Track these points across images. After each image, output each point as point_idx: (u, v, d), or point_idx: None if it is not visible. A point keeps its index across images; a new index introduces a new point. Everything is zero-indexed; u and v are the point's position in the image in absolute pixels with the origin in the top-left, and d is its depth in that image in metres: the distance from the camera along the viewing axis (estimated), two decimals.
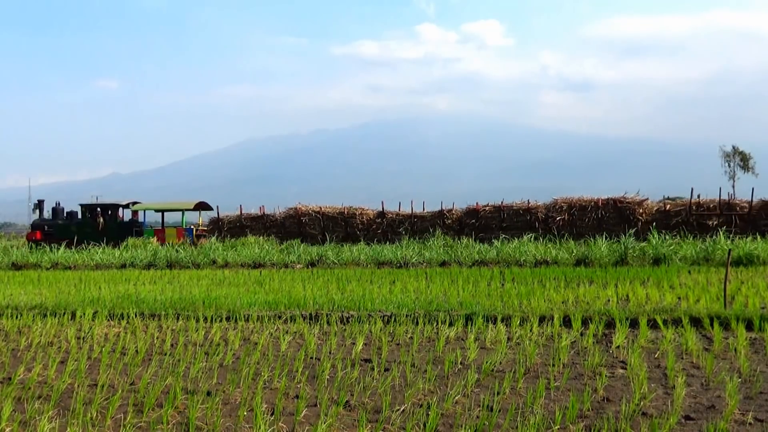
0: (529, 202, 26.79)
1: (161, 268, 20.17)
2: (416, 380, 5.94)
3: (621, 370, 6.34)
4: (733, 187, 67.15)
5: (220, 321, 9.29)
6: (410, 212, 27.42)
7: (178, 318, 9.56)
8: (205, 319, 9.40)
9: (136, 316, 9.65)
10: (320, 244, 24.16)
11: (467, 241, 22.74)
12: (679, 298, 10.33)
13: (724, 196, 24.88)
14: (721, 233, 20.11)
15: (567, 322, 8.49)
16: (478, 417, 4.93)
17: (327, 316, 9.19)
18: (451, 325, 8.52)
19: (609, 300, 10.21)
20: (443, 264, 18.67)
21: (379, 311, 9.33)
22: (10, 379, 6.23)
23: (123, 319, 9.63)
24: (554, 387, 5.78)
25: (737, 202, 24.73)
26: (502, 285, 12.34)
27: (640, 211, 25.08)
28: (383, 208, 27.83)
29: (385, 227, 27.06)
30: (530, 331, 8.02)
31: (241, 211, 29.64)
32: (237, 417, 5.02)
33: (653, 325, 8.22)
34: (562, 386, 5.81)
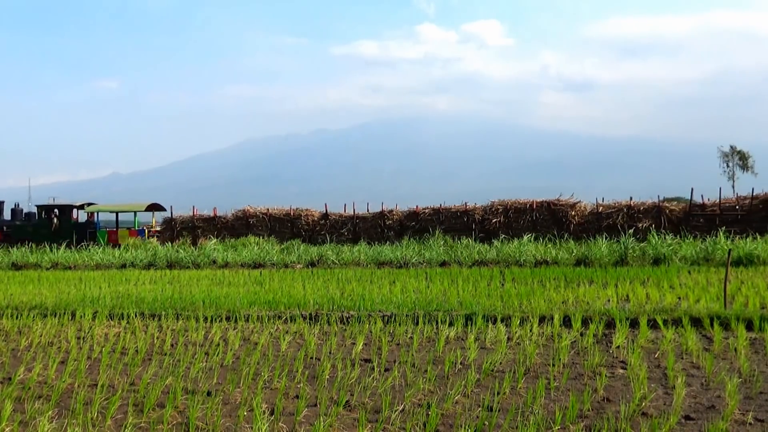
0: (466, 205, 27.38)
1: (161, 268, 20.17)
2: (416, 380, 5.94)
3: (621, 370, 6.34)
4: (733, 186, 67.15)
5: (220, 321, 9.29)
6: (353, 213, 28.21)
7: (178, 318, 9.56)
8: (205, 319, 9.40)
9: (136, 316, 9.65)
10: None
11: (467, 241, 22.78)
12: (679, 298, 10.33)
13: (730, 195, 24.87)
14: (721, 233, 20.12)
15: (567, 322, 8.49)
16: (478, 417, 4.93)
17: (327, 316, 9.19)
18: (451, 325, 8.52)
19: (609, 300, 10.22)
20: (443, 264, 18.67)
21: (379, 311, 9.33)
22: (10, 379, 6.23)
23: (123, 319, 9.63)
24: (554, 387, 5.78)
25: (666, 205, 25.35)
26: (502, 285, 12.34)
27: (573, 213, 25.70)
28: (326, 210, 28.56)
29: (329, 228, 27.79)
30: (530, 331, 8.02)
31: (194, 213, 30.28)
32: (237, 417, 5.02)
33: (653, 325, 8.22)
34: (562, 386, 5.81)
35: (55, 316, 9.87)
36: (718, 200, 24.96)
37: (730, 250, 11.14)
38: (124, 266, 21.04)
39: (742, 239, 19.45)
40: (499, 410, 5.05)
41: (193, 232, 28.77)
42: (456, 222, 26.70)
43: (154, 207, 32.51)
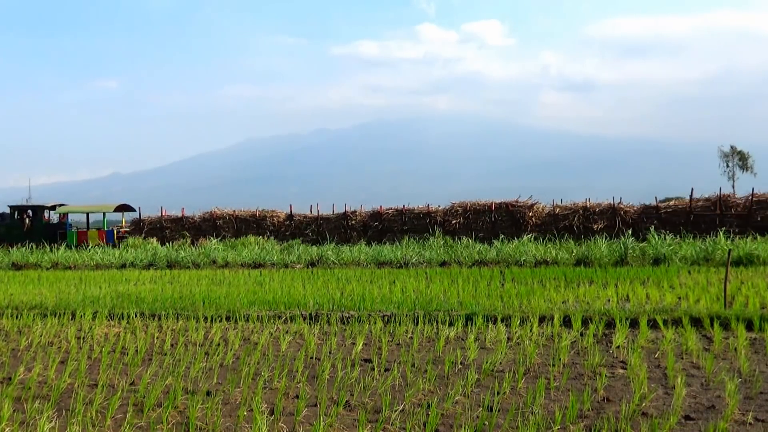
0: (429, 206, 27.81)
1: (161, 268, 20.17)
2: (416, 380, 5.94)
3: (621, 370, 6.34)
4: (733, 187, 67.17)
5: (220, 321, 9.29)
6: (317, 215, 28.75)
7: (178, 318, 9.56)
8: (205, 319, 9.40)
9: (136, 316, 9.65)
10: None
11: (467, 241, 22.79)
12: (679, 298, 10.33)
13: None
14: (721, 233, 20.12)
15: (567, 322, 8.49)
16: (478, 417, 4.93)
17: (327, 316, 9.19)
18: (451, 325, 8.52)
19: (609, 300, 10.21)
20: (443, 264, 18.67)
21: (379, 311, 9.33)
22: (10, 379, 6.23)
23: (123, 319, 9.63)
24: (554, 387, 5.78)
25: (621, 206, 25.75)
26: (502, 285, 12.34)
27: (530, 214, 26.22)
28: (291, 212, 29.12)
29: (294, 229, 28.29)
30: (530, 331, 8.02)
31: (161, 213, 30.73)
32: (237, 417, 5.02)
33: (653, 325, 8.22)
34: (562, 386, 5.81)
35: (55, 316, 9.87)
36: (675, 201, 25.73)
37: (730, 250, 11.14)
38: (124, 266, 21.04)
39: (742, 239, 19.45)
40: (499, 410, 5.05)
41: (161, 233, 29.31)
42: (418, 223, 27.27)
43: (124, 207, 33.15)
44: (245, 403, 5.28)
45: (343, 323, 8.97)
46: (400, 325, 8.51)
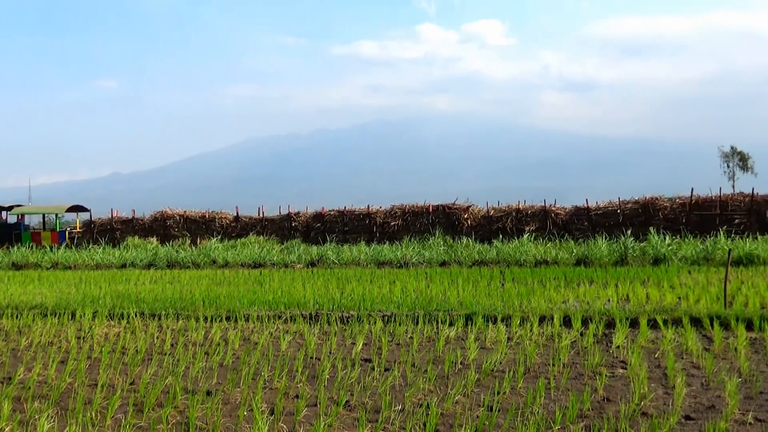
0: (369, 208, 28.27)
1: (161, 268, 20.17)
2: (416, 380, 5.93)
3: (621, 370, 6.34)
4: (733, 187, 67.23)
5: (220, 321, 9.29)
6: (261, 216, 29.61)
7: (178, 318, 9.56)
8: (205, 319, 9.40)
9: (136, 315, 9.65)
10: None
11: (467, 241, 22.84)
12: (679, 298, 10.32)
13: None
14: (721, 233, 20.12)
15: (567, 322, 8.49)
16: (478, 417, 4.92)
17: (327, 316, 9.19)
18: (451, 325, 8.52)
19: (609, 300, 10.21)
20: (443, 264, 18.67)
21: (379, 311, 9.33)
22: (10, 378, 6.23)
23: (123, 318, 9.63)
24: (554, 387, 5.78)
25: (553, 208, 26.28)
26: (502, 285, 12.33)
27: (466, 216, 26.77)
28: (237, 213, 29.95)
29: (240, 230, 29.05)
30: (530, 331, 8.02)
31: (112, 215, 31.20)
32: (237, 417, 5.02)
33: (653, 325, 8.22)
34: (562, 386, 5.80)
35: (55, 315, 9.87)
36: (612, 202, 26.16)
37: (730, 250, 11.14)
38: (124, 266, 21.04)
39: (742, 239, 19.45)
40: (499, 410, 5.05)
41: (112, 234, 29.89)
42: (359, 224, 27.86)
43: (77, 208, 33.80)
44: (245, 403, 5.28)
45: (343, 323, 8.97)
46: (400, 325, 8.50)
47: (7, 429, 4.80)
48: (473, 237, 24.47)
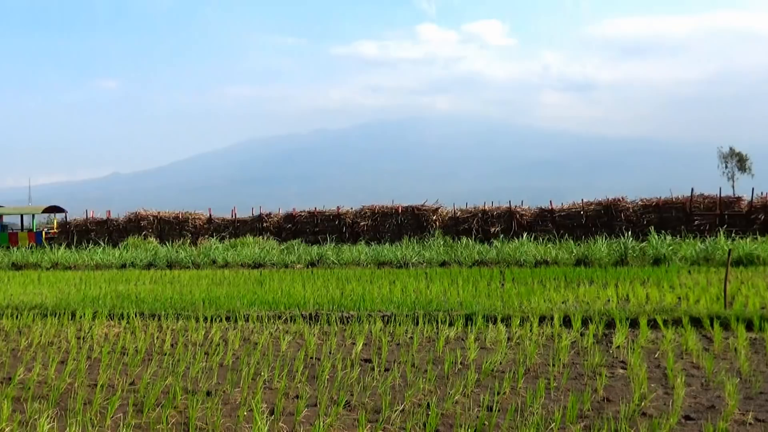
0: (338, 209, 28.72)
1: (161, 268, 20.18)
2: (416, 380, 5.93)
3: (621, 370, 6.34)
4: (733, 187, 67.36)
5: (220, 321, 9.29)
6: (233, 218, 30.12)
7: (178, 318, 9.56)
8: (205, 319, 9.40)
9: (136, 316, 9.65)
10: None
11: (467, 241, 22.88)
12: (679, 298, 10.32)
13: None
14: (721, 233, 20.14)
15: (567, 322, 8.49)
16: (477, 417, 4.93)
17: (327, 316, 9.19)
18: (451, 325, 8.52)
19: (609, 300, 10.21)
20: (443, 264, 18.67)
21: (379, 311, 9.33)
22: (10, 379, 6.23)
23: (123, 319, 9.63)
24: (554, 387, 5.78)
25: (518, 209, 26.73)
26: (502, 285, 12.33)
27: (434, 217, 27.16)
28: (210, 215, 30.42)
29: (212, 231, 29.55)
30: (530, 331, 8.02)
31: (86, 216, 31.47)
32: (237, 417, 5.02)
33: (653, 325, 8.22)
34: (562, 386, 5.81)
35: (55, 316, 9.87)
36: (578, 203, 26.75)
37: (730, 250, 11.13)
38: (124, 266, 21.05)
39: (743, 239, 19.46)
40: (498, 410, 5.05)
41: (87, 235, 30.14)
42: (328, 225, 28.29)
43: (53, 209, 34.28)
44: (245, 403, 5.28)
45: (343, 323, 8.97)
46: (400, 325, 8.50)
47: (7, 429, 4.80)
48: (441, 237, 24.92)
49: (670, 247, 17.98)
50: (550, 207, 26.56)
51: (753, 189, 25.35)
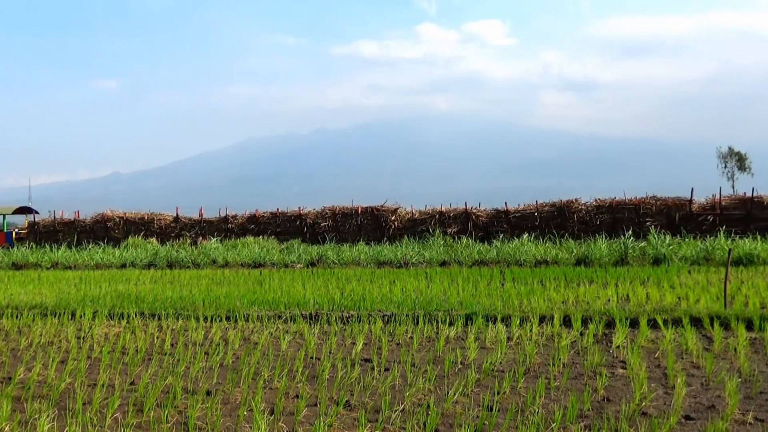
0: (300, 210, 29.25)
1: (161, 268, 20.18)
2: (416, 380, 5.93)
3: (621, 370, 6.34)
4: (733, 187, 67.44)
5: (220, 321, 9.29)
6: (200, 218, 30.64)
7: (178, 318, 9.56)
8: (205, 318, 9.40)
9: (136, 315, 9.65)
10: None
11: (467, 241, 22.93)
12: (679, 298, 10.32)
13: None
14: (721, 233, 20.15)
15: (567, 321, 8.49)
16: (477, 417, 4.93)
17: (327, 315, 9.19)
18: (451, 324, 8.51)
19: (609, 300, 10.21)
20: (443, 264, 18.67)
21: (379, 311, 9.33)
22: (10, 378, 6.23)
23: (123, 318, 9.63)
24: (554, 387, 5.78)
25: (474, 211, 27.28)
26: (502, 285, 12.33)
27: (393, 218, 27.67)
28: (177, 215, 30.83)
29: (179, 231, 30.05)
30: (530, 330, 8.02)
31: (54, 217, 31.88)
32: (237, 417, 5.02)
33: (653, 324, 8.22)
34: (562, 386, 5.80)
35: (55, 315, 9.87)
36: (531, 205, 27.49)
37: (730, 250, 11.13)
38: (124, 266, 21.05)
39: (742, 239, 19.47)
40: (498, 410, 5.05)
41: (54, 236, 30.54)
42: (290, 225, 28.84)
43: (24, 210, 34.97)
44: (245, 403, 5.28)
45: (343, 323, 8.96)
46: (400, 324, 8.50)
47: (7, 429, 4.80)
48: (398, 238, 25.59)
49: (670, 247, 17.99)
50: (505, 208, 27.24)
51: (753, 188, 25.40)
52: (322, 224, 28.22)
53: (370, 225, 27.70)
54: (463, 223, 26.77)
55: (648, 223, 24.85)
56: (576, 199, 26.48)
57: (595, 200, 26.37)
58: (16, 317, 9.87)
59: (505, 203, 27.48)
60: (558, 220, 26.11)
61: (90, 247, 27.02)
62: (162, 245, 26.34)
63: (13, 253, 24.78)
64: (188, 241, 27.88)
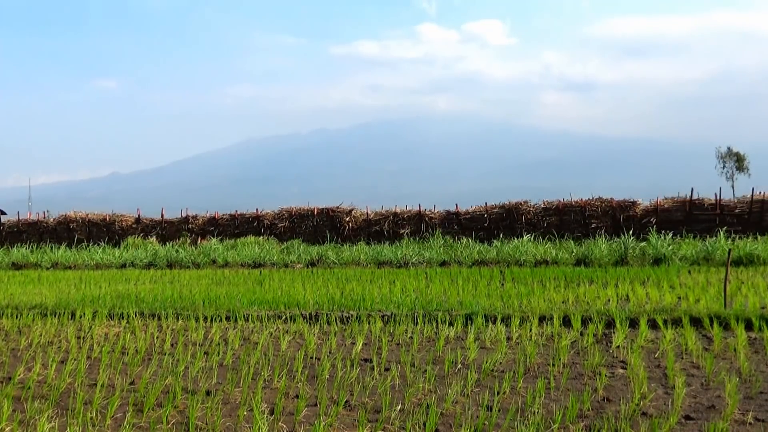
0: (258, 211, 29.73)
1: (161, 268, 20.18)
2: (416, 380, 5.94)
3: (621, 370, 6.34)
4: (732, 187, 67.53)
5: (220, 321, 9.29)
6: (161, 219, 30.98)
7: (178, 318, 9.56)
8: (205, 318, 9.40)
9: (136, 315, 9.65)
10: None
11: (467, 241, 22.94)
12: (679, 298, 10.32)
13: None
14: (721, 233, 20.14)
15: (567, 322, 8.48)
16: (477, 417, 4.93)
17: (327, 315, 9.19)
18: (451, 324, 8.51)
19: (609, 300, 10.21)
20: (443, 264, 18.67)
21: (379, 311, 9.33)
22: (10, 378, 6.23)
23: (123, 318, 9.63)
24: (554, 387, 5.78)
25: (427, 213, 27.75)
26: (502, 285, 12.33)
27: (348, 219, 28.12)
28: (139, 216, 31.13)
29: (140, 231, 30.40)
30: (530, 330, 8.02)
31: (18, 218, 32.23)
32: (237, 417, 5.02)
33: (653, 325, 8.21)
34: (562, 386, 5.81)
35: (55, 315, 9.87)
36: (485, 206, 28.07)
37: (730, 250, 11.13)
38: (124, 266, 21.05)
39: (742, 239, 19.47)
40: (498, 410, 5.05)
41: (19, 237, 30.82)
42: (248, 227, 29.30)
43: None
44: (245, 403, 5.28)
45: (343, 323, 8.97)
46: (399, 324, 8.50)
47: (7, 429, 4.80)
48: (354, 239, 26.03)
49: (670, 247, 17.99)
50: (456, 210, 27.69)
51: (753, 189, 25.45)
52: (279, 225, 28.68)
53: (326, 226, 28.06)
54: (417, 224, 27.29)
55: (593, 225, 25.47)
56: (525, 201, 27.07)
57: (544, 202, 26.98)
58: (16, 317, 9.87)
59: (456, 205, 28.02)
60: (507, 222, 26.69)
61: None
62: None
63: (13, 253, 24.77)
64: (188, 241, 27.91)
